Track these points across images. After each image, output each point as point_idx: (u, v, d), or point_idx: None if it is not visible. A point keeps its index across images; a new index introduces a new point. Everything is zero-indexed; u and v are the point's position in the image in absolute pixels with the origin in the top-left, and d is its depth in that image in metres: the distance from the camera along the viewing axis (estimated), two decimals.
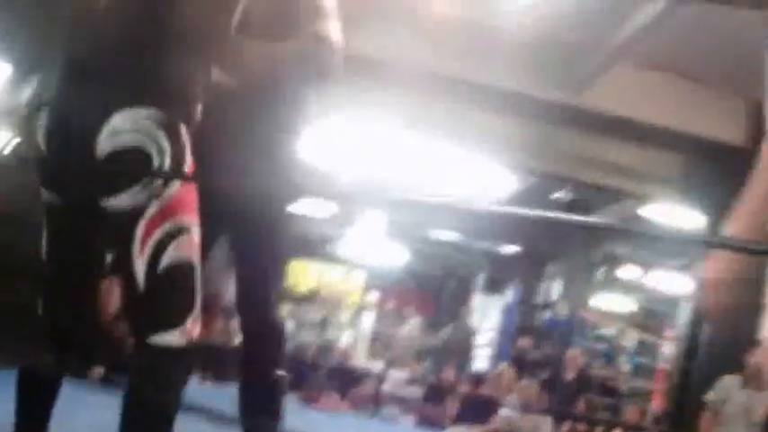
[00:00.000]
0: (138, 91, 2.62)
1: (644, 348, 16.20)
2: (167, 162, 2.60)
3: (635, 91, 9.33)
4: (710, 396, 7.63)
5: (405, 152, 10.85)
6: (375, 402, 11.19)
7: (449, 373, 12.97)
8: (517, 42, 8.27)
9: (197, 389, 9.66)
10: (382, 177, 12.80)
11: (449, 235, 17.42)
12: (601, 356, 14.73)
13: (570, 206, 12.51)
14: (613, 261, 16.46)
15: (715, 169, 10.01)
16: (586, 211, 12.66)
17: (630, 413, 11.04)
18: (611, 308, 18.10)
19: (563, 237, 15.14)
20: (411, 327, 17.37)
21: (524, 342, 14.28)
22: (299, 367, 12.09)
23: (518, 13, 7.86)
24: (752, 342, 7.60)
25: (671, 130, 9.60)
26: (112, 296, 7.68)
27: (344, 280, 19.70)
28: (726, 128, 9.55)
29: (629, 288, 18.05)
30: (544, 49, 8.54)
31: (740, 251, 2.18)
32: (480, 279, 20.06)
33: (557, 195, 12.10)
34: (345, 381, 12.05)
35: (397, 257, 18.10)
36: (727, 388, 7.55)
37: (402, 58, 9.08)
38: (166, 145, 2.59)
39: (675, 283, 14.33)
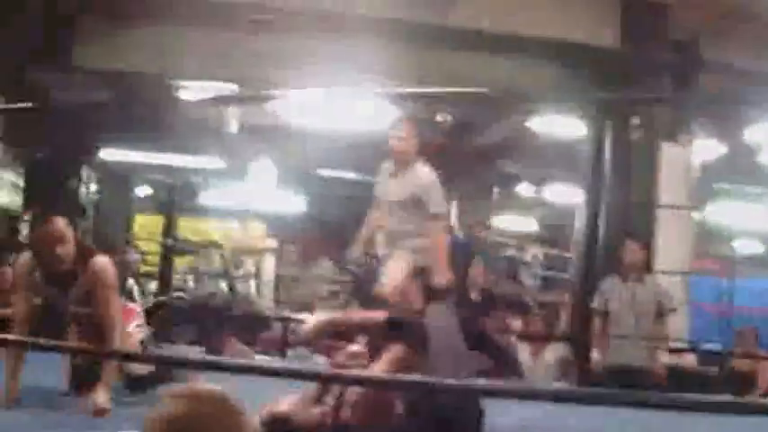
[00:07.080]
0: None
1: (551, 262, 16.37)
2: None
3: (501, 4, 9.30)
4: (594, 302, 7.77)
5: (285, 95, 10.66)
6: (283, 346, 11.07)
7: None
8: None
9: None
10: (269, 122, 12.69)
11: (344, 174, 17.30)
12: (504, 274, 14.85)
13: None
14: (508, 179, 16.56)
15: (590, 74, 9.98)
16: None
17: (538, 326, 11.11)
18: (513, 226, 18.28)
19: (455, 159, 15.15)
20: (322, 270, 17.25)
21: None
22: (203, 319, 11.95)
23: None
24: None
25: (541, 39, 9.52)
26: None
27: (244, 230, 19.47)
28: (598, 31, 9.52)
29: (528, 205, 18.21)
30: None
31: None
32: None
33: (438, 118, 12.04)
34: (252, 327, 11.92)
35: (294, 204, 17.83)
36: (607, 290, 7.69)
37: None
38: None
39: (571, 195, 14.45)
